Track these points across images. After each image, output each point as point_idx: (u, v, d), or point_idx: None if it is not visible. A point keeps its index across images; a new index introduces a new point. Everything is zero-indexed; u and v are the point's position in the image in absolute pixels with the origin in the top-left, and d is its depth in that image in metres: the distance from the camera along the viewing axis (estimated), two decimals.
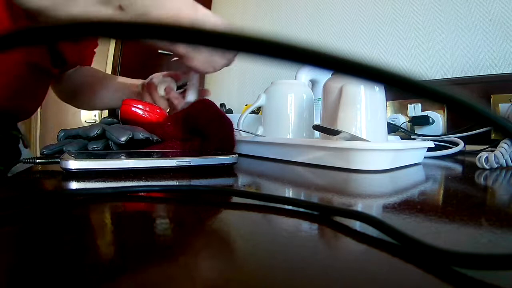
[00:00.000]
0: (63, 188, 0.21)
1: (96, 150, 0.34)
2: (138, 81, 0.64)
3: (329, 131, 0.36)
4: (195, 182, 0.24)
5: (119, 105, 0.48)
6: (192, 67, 0.46)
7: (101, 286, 0.08)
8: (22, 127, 0.57)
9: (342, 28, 1.03)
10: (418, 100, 0.72)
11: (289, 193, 0.22)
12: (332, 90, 0.39)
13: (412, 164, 0.37)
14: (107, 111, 1.75)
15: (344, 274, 0.09)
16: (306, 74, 0.64)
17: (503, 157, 0.34)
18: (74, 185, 0.22)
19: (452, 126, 0.66)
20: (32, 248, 0.11)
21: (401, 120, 0.72)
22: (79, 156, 0.26)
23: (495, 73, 0.70)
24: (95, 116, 2.27)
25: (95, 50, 0.70)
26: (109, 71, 1.90)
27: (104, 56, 1.99)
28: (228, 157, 0.30)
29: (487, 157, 0.34)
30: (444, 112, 0.69)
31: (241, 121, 0.51)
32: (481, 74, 0.71)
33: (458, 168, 0.39)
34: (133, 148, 0.35)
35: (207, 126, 0.39)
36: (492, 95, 0.63)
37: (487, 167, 0.34)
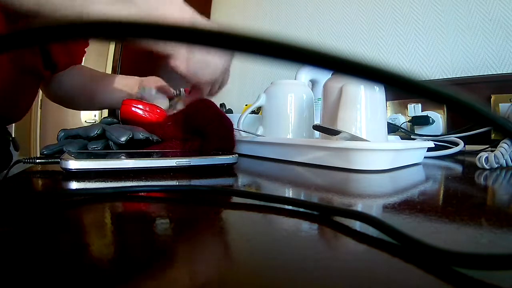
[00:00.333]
0: (63, 188, 0.21)
1: (96, 150, 0.34)
2: (133, 79, 0.64)
3: (329, 131, 0.36)
4: (195, 182, 0.24)
5: (114, 106, 0.47)
6: (181, 72, 0.41)
7: (101, 286, 0.08)
8: (18, 128, 0.56)
9: (342, 28, 1.02)
10: (418, 100, 0.71)
11: (289, 193, 0.22)
12: (332, 90, 0.39)
13: (412, 164, 0.37)
14: (107, 111, 1.75)
15: (344, 274, 0.09)
16: (306, 74, 0.64)
17: (503, 157, 0.34)
18: (74, 185, 0.22)
19: (452, 126, 0.66)
20: (32, 248, 0.11)
21: (401, 120, 0.72)
22: (79, 156, 0.26)
23: (495, 73, 0.70)
24: (95, 116, 2.27)
25: (85, 49, 0.68)
26: (109, 71, 1.90)
27: (104, 56, 2.00)
28: (228, 157, 0.30)
29: (487, 157, 0.34)
30: (444, 112, 0.69)
31: (241, 121, 0.51)
32: (481, 74, 0.71)
33: (458, 168, 0.39)
34: (133, 148, 0.35)
35: (207, 126, 0.39)
36: (492, 95, 0.63)
37: (487, 167, 0.34)
